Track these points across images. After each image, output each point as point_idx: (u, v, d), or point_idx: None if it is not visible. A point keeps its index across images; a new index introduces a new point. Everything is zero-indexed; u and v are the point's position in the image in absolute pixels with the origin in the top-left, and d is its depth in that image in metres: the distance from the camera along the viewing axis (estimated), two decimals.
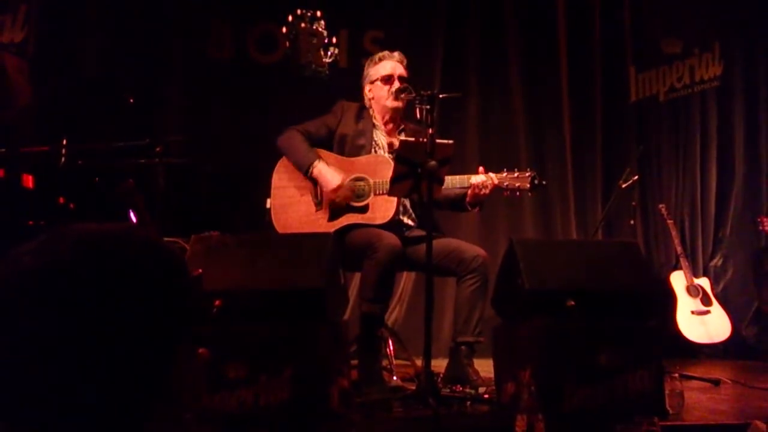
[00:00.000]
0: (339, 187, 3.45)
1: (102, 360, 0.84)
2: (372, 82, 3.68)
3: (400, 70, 3.63)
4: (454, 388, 3.15)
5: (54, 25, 4.72)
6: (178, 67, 5.15)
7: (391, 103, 3.59)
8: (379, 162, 3.52)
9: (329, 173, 3.47)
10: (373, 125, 3.66)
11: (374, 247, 3.24)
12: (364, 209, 3.47)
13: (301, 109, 4.14)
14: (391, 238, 3.29)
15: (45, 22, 4.67)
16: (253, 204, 3.86)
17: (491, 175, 3.39)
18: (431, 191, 2.97)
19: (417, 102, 3.08)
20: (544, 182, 3.51)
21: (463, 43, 5.47)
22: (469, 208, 3.51)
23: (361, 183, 3.50)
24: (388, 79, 3.62)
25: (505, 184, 3.39)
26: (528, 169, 3.47)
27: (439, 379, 3.26)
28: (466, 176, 3.41)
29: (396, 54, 3.69)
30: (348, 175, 3.51)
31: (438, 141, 3.00)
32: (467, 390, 3.08)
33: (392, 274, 3.34)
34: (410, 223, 3.58)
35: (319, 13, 4.97)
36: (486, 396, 2.95)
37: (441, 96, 3.13)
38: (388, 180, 3.35)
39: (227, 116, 5.09)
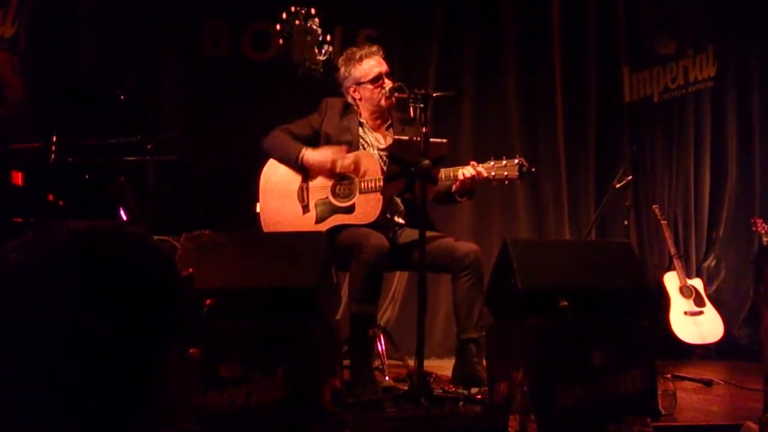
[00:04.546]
0: (336, 158, 3.43)
1: (90, 358, 0.83)
2: (358, 84, 3.60)
3: (384, 66, 3.59)
4: (448, 387, 3.14)
5: (46, 21, 4.69)
6: (172, 64, 5.13)
7: (385, 102, 3.56)
8: (363, 158, 3.49)
9: (318, 154, 3.46)
10: (360, 123, 3.63)
11: (361, 247, 3.23)
12: (350, 209, 3.45)
13: (295, 106, 4.12)
14: (378, 238, 3.28)
15: (36, 17, 4.64)
16: (246, 202, 3.84)
17: (479, 168, 3.35)
18: (425, 191, 2.96)
19: (411, 101, 3.07)
20: (533, 168, 3.42)
21: (458, 41, 5.46)
22: (458, 199, 3.48)
23: (346, 181, 3.48)
24: (377, 80, 3.57)
25: (492, 174, 3.34)
26: (516, 156, 3.39)
27: (432, 376, 3.25)
28: (452, 169, 3.37)
29: (375, 48, 3.62)
30: (330, 178, 3.48)
31: (432, 140, 2.99)
32: (460, 390, 3.07)
33: (380, 274, 3.32)
34: (401, 221, 3.56)
35: (313, 11, 4.96)
36: (479, 396, 2.94)
37: (435, 95, 3.11)
38: (374, 177, 3.34)
39: (221, 114, 5.07)
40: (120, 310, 0.85)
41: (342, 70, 3.65)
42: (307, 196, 3.51)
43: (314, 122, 3.62)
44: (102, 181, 3.89)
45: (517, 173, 3.33)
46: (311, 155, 3.47)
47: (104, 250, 0.87)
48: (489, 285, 3.10)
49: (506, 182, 3.38)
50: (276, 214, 3.54)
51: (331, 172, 3.47)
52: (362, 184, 3.43)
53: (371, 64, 3.58)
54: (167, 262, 0.94)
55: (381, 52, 3.61)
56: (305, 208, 3.50)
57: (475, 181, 3.33)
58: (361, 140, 3.59)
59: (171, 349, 0.91)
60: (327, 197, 3.49)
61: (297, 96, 4.87)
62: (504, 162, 3.35)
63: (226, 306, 2.61)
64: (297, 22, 4.88)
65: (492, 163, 3.35)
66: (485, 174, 3.33)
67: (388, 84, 3.52)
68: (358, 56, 3.60)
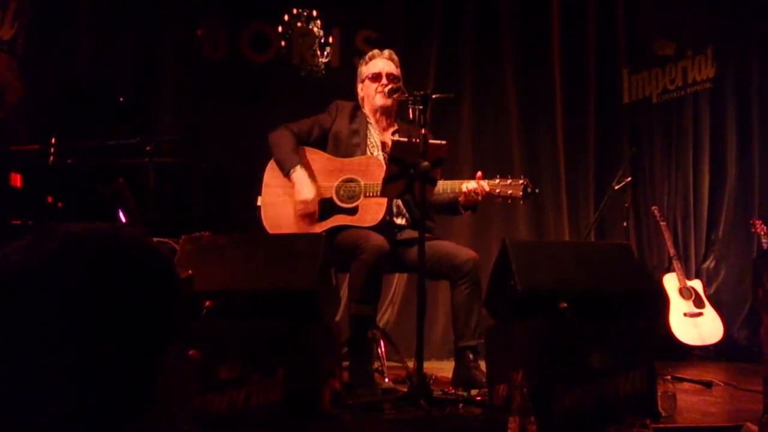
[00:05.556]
0: (306, 201, 3.44)
1: (89, 359, 0.83)
2: (362, 81, 3.71)
3: (389, 68, 3.64)
4: (448, 389, 3.14)
5: (44, 23, 4.69)
6: (171, 66, 5.13)
7: (379, 100, 3.61)
8: (371, 163, 3.51)
9: (305, 184, 3.46)
10: (367, 123, 3.67)
11: (360, 249, 3.24)
12: (353, 211, 3.46)
13: (294, 108, 4.13)
14: (377, 239, 3.29)
15: (35, 19, 4.64)
16: (245, 204, 3.84)
17: (482, 183, 3.37)
18: (424, 192, 2.96)
19: (410, 102, 3.07)
20: (537, 190, 3.47)
21: (457, 43, 5.47)
22: (462, 212, 3.51)
23: (352, 184, 3.49)
24: (376, 77, 3.64)
25: (497, 191, 3.36)
26: (521, 177, 3.43)
27: (432, 378, 3.25)
28: (457, 182, 3.40)
29: (386, 52, 3.70)
30: (335, 179, 3.50)
31: (431, 141, 2.99)
32: (460, 392, 3.07)
33: (379, 275, 3.33)
34: (403, 223, 3.57)
35: (315, 13, 4.97)
36: (478, 398, 2.94)
37: (434, 96, 3.12)
38: (380, 182, 3.35)
39: (220, 115, 5.08)
40: (119, 312, 0.85)
41: (357, 69, 3.78)
42: None
43: (324, 122, 3.65)
44: (101, 183, 3.89)
45: (521, 193, 3.36)
46: (298, 179, 3.47)
47: (103, 251, 0.88)
48: (488, 286, 3.10)
49: (509, 201, 3.41)
50: (278, 209, 3.56)
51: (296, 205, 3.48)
52: (368, 189, 3.45)
53: (376, 63, 3.67)
54: (166, 263, 0.94)
55: (393, 57, 3.70)
56: None
57: (479, 195, 3.36)
58: (368, 141, 3.62)
59: (170, 349, 0.91)
60: (330, 197, 3.50)
61: (296, 97, 4.89)
62: (509, 181, 3.38)
63: (226, 307, 2.61)
64: (299, 24, 4.89)
65: (498, 180, 3.38)
66: (488, 189, 3.35)
67: (384, 82, 3.57)
68: (368, 56, 3.73)
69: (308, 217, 3.47)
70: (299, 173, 3.48)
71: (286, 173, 3.51)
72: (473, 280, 3.33)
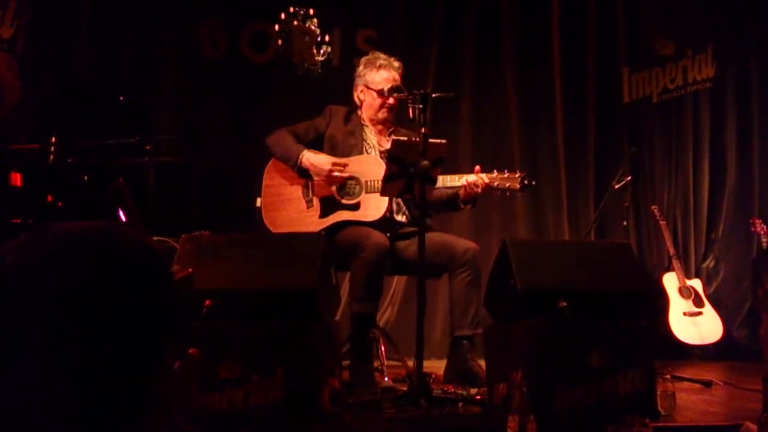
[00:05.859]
0: (332, 169, 3.44)
1: (89, 359, 0.83)
2: (366, 86, 3.67)
3: (397, 84, 3.61)
4: (447, 388, 3.14)
5: (44, 23, 4.69)
6: (171, 66, 5.13)
7: (382, 115, 3.63)
8: (370, 161, 3.53)
9: (318, 159, 3.48)
10: (363, 125, 3.67)
11: (361, 247, 3.25)
12: (355, 207, 3.48)
13: (294, 108, 4.12)
14: (378, 237, 3.30)
15: (35, 19, 4.64)
16: (245, 203, 3.85)
17: (481, 175, 3.40)
18: (424, 191, 2.97)
19: (410, 101, 3.08)
20: (533, 182, 3.52)
21: (457, 43, 5.47)
22: (462, 206, 3.53)
23: (352, 182, 3.51)
24: (382, 93, 3.61)
25: (495, 183, 3.41)
26: (518, 170, 3.51)
27: (431, 377, 3.26)
28: (456, 175, 3.43)
29: (396, 63, 3.66)
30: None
31: (431, 141, 3.00)
32: (459, 391, 3.07)
33: (380, 273, 3.34)
34: (403, 220, 3.59)
35: (311, 11, 4.97)
36: (478, 397, 2.94)
37: (434, 95, 3.13)
38: (379, 179, 3.36)
39: (220, 115, 5.08)
40: (119, 311, 0.85)
41: (360, 68, 3.73)
42: (312, 192, 3.53)
43: (319, 126, 3.66)
44: (101, 182, 3.89)
45: (519, 185, 3.41)
46: (310, 160, 3.49)
47: (103, 251, 0.87)
48: (488, 285, 3.10)
49: (507, 193, 3.47)
50: (278, 208, 3.57)
51: (327, 179, 3.49)
52: (368, 185, 3.47)
53: (384, 77, 3.63)
54: (160, 261, 0.94)
55: (401, 69, 3.65)
56: (309, 203, 3.53)
57: (479, 187, 3.38)
58: (364, 143, 3.62)
59: (170, 348, 0.91)
60: (332, 194, 3.51)
61: (296, 97, 4.89)
62: (507, 174, 3.43)
63: (226, 307, 2.62)
64: (295, 22, 4.89)
65: (496, 173, 3.43)
66: (487, 180, 3.38)
67: (389, 101, 3.56)
68: (378, 63, 3.66)
69: (341, 180, 3.48)
70: (308, 155, 3.49)
71: (295, 162, 3.51)
72: (473, 269, 3.34)
